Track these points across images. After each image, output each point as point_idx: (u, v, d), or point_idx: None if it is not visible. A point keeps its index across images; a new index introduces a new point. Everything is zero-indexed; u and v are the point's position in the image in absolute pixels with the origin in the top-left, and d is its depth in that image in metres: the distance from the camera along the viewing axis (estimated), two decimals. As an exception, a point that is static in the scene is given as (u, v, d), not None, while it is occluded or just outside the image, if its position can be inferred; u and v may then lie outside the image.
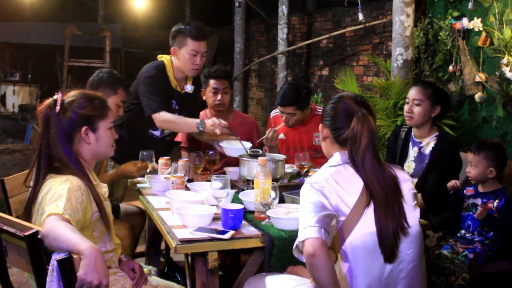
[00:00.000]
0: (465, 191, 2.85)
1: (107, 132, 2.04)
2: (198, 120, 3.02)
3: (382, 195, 1.73)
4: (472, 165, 2.75)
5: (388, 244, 1.71)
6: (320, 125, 1.94)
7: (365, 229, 1.73)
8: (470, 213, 2.77)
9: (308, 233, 1.70)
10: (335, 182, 1.77)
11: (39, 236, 1.63)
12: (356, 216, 1.73)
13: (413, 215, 1.81)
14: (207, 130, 3.01)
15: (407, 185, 1.85)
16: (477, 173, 2.74)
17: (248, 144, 3.03)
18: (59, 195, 1.78)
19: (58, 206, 1.72)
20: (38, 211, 1.88)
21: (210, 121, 2.98)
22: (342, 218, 1.73)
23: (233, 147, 3.03)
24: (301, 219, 1.77)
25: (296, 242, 1.82)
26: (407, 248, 1.77)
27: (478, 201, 2.76)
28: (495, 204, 2.69)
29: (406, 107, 2.95)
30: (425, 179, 2.88)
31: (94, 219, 1.95)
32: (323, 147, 1.97)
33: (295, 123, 3.47)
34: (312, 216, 1.72)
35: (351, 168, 1.80)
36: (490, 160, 2.71)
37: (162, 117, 3.08)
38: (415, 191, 1.89)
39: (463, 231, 2.80)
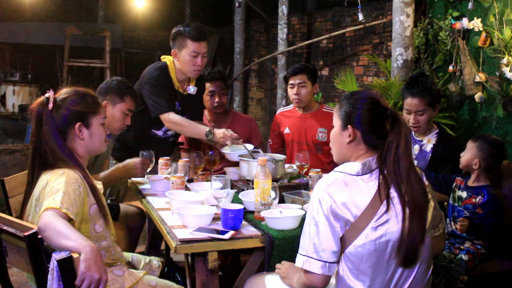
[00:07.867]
0: (454, 181, 2.87)
1: (100, 128, 2.08)
2: (207, 128, 3.01)
3: (418, 204, 1.69)
4: (466, 151, 2.81)
5: (413, 250, 1.68)
6: (349, 127, 1.79)
7: (375, 234, 1.68)
8: (456, 205, 2.80)
9: (313, 267, 1.69)
10: (345, 185, 1.71)
11: (35, 230, 1.64)
12: (365, 220, 1.68)
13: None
14: (215, 140, 3.00)
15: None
16: (465, 159, 2.79)
17: (250, 146, 3.03)
18: (56, 189, 1.79)
19: (55, 200, 1.74)
20: (36, 207, 1.89)
21: (220, 133, 2.97)
22: (351, 220, 1.68)
23: (234, 152, 3.00)
24: (306, 236, 1.73)
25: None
26: (425, 251, 1.74)
27: (464, 194, 2.78)
28: (477, 199, 2.72)
29: (410, 119, 2.95)
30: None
31: (92, 211, 1.97)
32: (341, 150, 1.85)
33: (306, 98, 3.58)
34: (319, 242, 1.69)
35: (367, 176, 1.73)
36: (480, 152, 2.74)
37: (172, 119, 3.07)
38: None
39: (450, 226, 2.81)
